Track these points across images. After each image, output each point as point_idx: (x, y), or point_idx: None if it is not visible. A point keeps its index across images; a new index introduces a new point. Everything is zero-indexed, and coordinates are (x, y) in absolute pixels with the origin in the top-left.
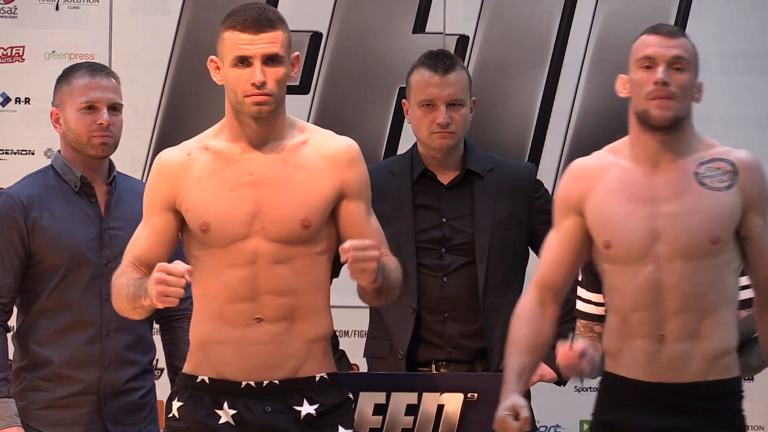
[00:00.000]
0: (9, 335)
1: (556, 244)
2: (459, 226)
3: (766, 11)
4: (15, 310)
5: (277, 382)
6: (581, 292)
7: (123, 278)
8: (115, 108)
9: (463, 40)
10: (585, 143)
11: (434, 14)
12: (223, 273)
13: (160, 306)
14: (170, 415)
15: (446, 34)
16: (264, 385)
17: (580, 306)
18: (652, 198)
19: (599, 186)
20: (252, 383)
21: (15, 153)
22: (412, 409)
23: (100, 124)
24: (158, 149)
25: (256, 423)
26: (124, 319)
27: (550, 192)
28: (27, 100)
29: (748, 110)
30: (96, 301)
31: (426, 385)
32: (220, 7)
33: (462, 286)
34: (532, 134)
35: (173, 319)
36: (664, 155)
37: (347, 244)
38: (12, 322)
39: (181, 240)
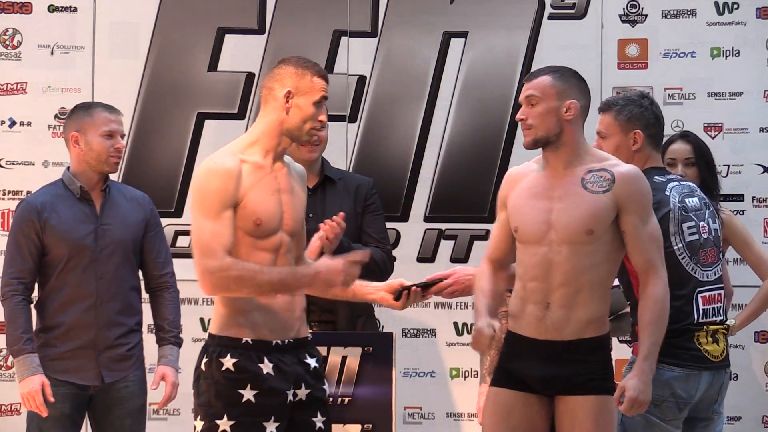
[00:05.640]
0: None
1: (496, 229)
2: (317, 218)
3: (586, 59)
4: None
5: (291, 340)
6: None
7: (248, 265)
8: (122, 136)
9: (362, 79)
10: (454, 157)
11: (340, 59)
12: (254, 256)
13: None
14: (224, 369)
15: (349, 75)
16: (285, 343)
17: None
18: (549, 197)
19: (518, 186)
20: (279, 342)
21: (19, 164)
22: (323, 360)
23: (117, 148)
24: (130, 166)
25: (289, 372)
26: (114, 292)
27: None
28: (29, 123)
29: None
30: (92, 279)
31: (334, 341)
32: (177, 54)
33: None
34: (414, 150)
35: (157, 290)
36: (558, 165)
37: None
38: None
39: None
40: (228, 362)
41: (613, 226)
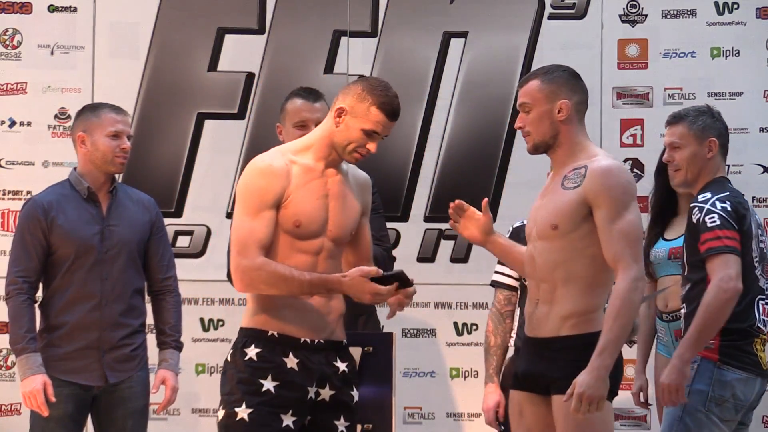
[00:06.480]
0: (36, 305)
1: None
2: None
3: (586, 58)
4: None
5: (322, 341)
6: (501, 267)
7: (279, 267)
8: (129, 137)
9: None
10: (454, 157)
11: (340, 59)
12: (293, 257)
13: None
14: (247, 358)
15: (349, 75)
16: (315, 342)
17: (500, 278)
18: (543, 196)
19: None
20: (308, 340)
21: (19, 164)
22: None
23: (123, 148)
24: (129, 166)
25: (314, 370)
26: (119, 293)
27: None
28: (29, 123)
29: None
30: (97, 280)
31: None
32: (177, 54)
33: None
34: (414, 150)
35: (159, 294)
36: (556, 165)
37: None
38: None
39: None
40: (251, 351)
41: (588, 223)
